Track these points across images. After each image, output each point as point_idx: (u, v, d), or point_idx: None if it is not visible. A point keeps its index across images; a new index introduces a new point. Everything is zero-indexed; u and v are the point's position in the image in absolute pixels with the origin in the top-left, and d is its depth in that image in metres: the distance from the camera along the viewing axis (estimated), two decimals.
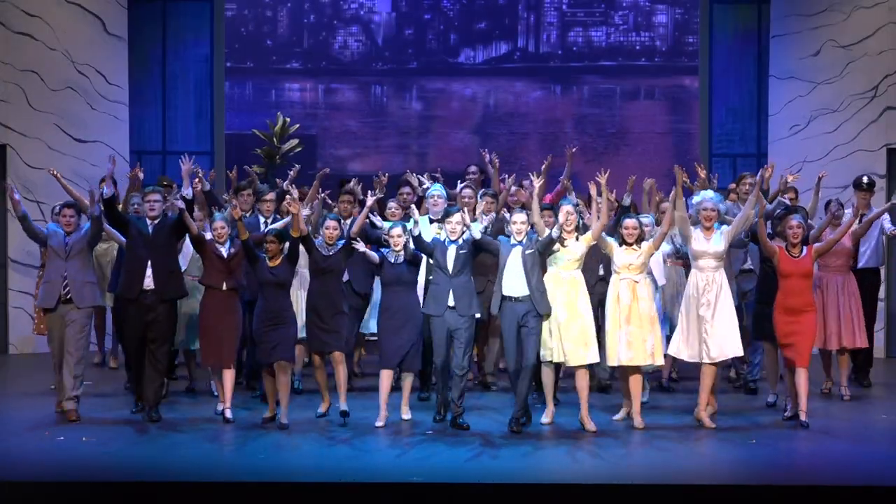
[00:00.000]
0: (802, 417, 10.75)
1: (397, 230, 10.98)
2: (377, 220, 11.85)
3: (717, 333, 10.80)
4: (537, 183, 10.91)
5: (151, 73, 16.24)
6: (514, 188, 12.62)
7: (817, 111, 15.24)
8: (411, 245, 11.02)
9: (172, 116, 16.35)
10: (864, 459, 9.80)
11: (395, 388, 11.30)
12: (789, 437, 10.53)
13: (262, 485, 8.90)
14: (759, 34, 16.14)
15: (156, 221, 11.15)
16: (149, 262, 11.04)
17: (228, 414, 10.95)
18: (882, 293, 13.95)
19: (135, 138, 15.78)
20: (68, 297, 11.12)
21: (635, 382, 10.89)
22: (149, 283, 11.04)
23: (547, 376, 10.89)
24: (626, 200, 11.86)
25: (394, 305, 10.94)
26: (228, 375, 11.07)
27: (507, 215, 11.72)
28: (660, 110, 16.65)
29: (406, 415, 11.03)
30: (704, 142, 16.24)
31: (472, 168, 13.37)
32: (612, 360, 10.90)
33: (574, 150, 13.10)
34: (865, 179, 12.79)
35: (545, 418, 10.89)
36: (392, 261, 10.95)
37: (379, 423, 10.81)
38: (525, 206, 11.76)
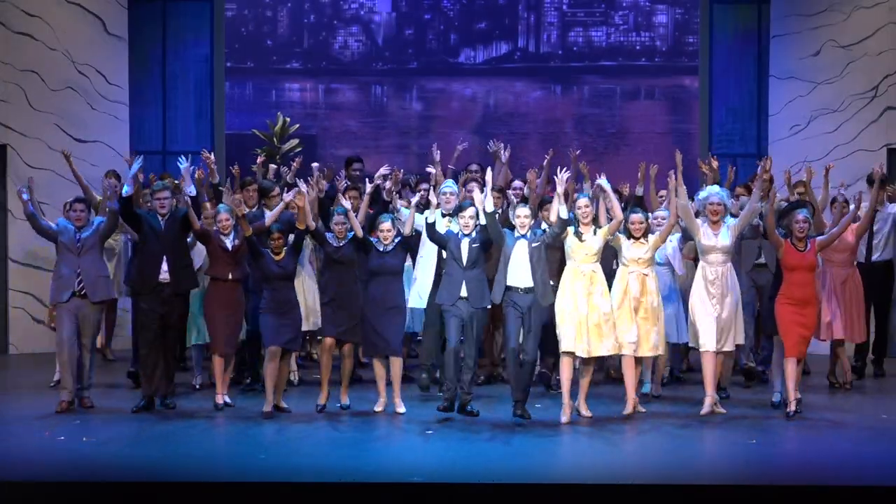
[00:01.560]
0: (790, 408, 10.98)
1: (387, 224, 11.21)
2: (401, 203, 12.08)
3: (725, 324, 11.04)
4: (563, 176, 10.93)
5: (151, 73, 16.24)
6: (517, 182, 12.84)
7: (817, 111, 15.24)
8: (423, 230, 11.23)
9: (172, 116, 16.36)
10: (864, 459, 9.80)
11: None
12: (790, 437, 10.53)
13: (263, 485, 8.90)
14: (759, 34, 16.15)
15: (166, 217, 11.36)
16: (163, 257, 11.26)
17: (224, 400, 11.27)
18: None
19: (135, 138, 15.78)
20: (82, 292, 11.29)
21: (645, 364, 11.44)
22: (164, 276, 11.27)
23: (566, 371, 10.94)
24: (639, 190, 12.02)
25: (377, 296, 11.20)
26: (227, 363, 11.41)
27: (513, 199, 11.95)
28: (660, 110, 16.65)
29: (400, 408, 11.21)
30: (704, 142, 16.24)
31: (474, 166, 13.41)
32: (620, 350, 11.07)
33: (577, 152, 13.10)
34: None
35: (563, 417, 10.91)
36: (381, 249, 11.19)
37: (378, 409, 11.22)
38: (526, 200, 11.97)
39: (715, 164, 12.31)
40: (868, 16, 15.10)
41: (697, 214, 11.49)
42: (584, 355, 10.91)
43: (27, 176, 14.66)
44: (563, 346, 10.88)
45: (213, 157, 12.64)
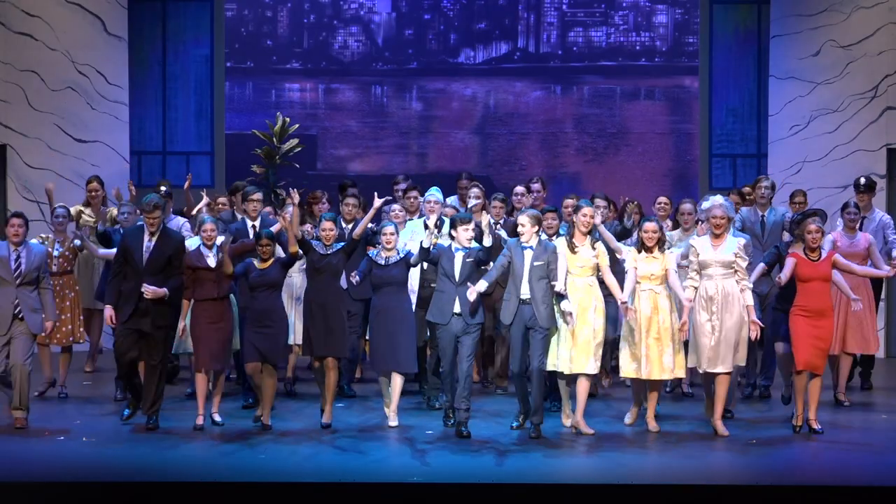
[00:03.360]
0: (815, 426, 10.53)
1: (390, 228, 10.95)
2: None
3: (726, 342, 10.52)
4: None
5: (151, 73, 16.23)
6: (518, 188, 12.55)
7: (817, 111, 15.24)
8: (414, 248, 10.93)
9: (172, 116, 16.35)
10: (863, 460, 9.81)
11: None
12: (791, 439, 10.52)
13: (262, 485, 8.90)
14: (759, 34, 16.14)
15: (155, 239, 10.67)
16: (139, 295, 10.63)
17: (202, 422, 10.73)
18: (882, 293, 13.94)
19: (135, 138, 15.78)
20: (20, 316, 10.72)
21: (653, 388, 10.70)
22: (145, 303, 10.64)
23: (582, 385, 10.65)
24: (628, 223, 11.68)
25: (385, 307, 10.89)
26: (220, 379, 10.95)
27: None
28: (660, 110, 16.63)
29: (393, 421, 10.84)
30: (704, 142, 16.23)
31: (463, 182, 13.18)
32: (630, 373, 10.68)
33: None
34: (863, 181, 12.73)
35: (566, 420, 10.80)
36: (382, 262, 10.88)
37: (392, 423, 10.85)
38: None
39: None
40: (868, 16, 15.10)
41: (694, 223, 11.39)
42: (567, 371, 10.58)
43: (27, 176, 14.68)
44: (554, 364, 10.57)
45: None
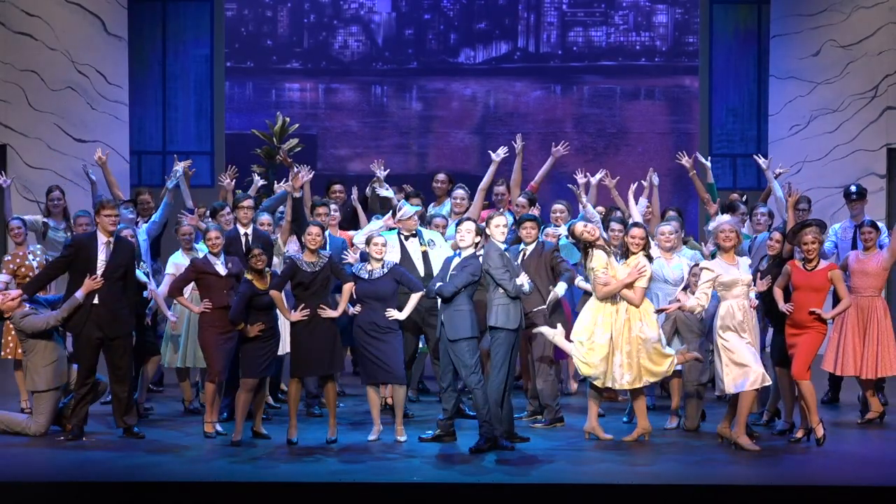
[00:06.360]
0: (818, 433, 10.10)
1: (381, 240, 10.39)
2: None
3: (758, 360, 10.02)
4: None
5: (151, 73, 16.25)
6: (521, 199, 12.16)
7: (817, 111, 15.26)
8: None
9: (172, 116, 16.36)
10: (864, 461, 9.81)
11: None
12: (792, 441, 10.51)
13: (263, 485, 8.90)
14: (759, 34, 16.17)
15: (112, 245, 10.27)
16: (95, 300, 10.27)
17: (217, 428, 10.50)
18: None
19: (135, 138, 15.80)
20: None
21: (640, 400, 10.44)
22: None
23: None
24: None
25: (372, 320, 10.27)
26: (220, 389, 10.59)
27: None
28: (660, 110, 16.65)
29: (402, 436, 10.33)
30: (704, 142, 16.24)
31: (441, 176, 13.01)
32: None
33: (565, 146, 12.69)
34: (853, 189, 12.18)
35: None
36: (366, 276, 10.33)
37: (372, 437, 10.34)
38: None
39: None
40: (868, 16, 15.12)
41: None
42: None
43: (27, 176, 14.68)
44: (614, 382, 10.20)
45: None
